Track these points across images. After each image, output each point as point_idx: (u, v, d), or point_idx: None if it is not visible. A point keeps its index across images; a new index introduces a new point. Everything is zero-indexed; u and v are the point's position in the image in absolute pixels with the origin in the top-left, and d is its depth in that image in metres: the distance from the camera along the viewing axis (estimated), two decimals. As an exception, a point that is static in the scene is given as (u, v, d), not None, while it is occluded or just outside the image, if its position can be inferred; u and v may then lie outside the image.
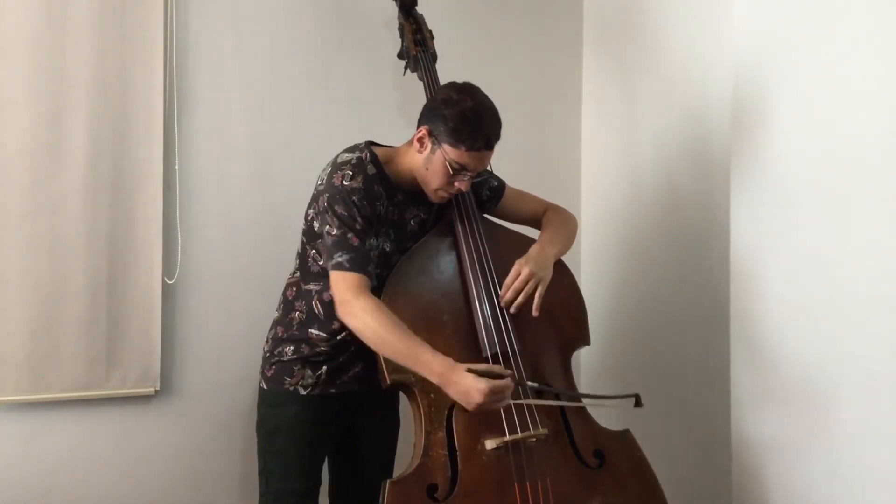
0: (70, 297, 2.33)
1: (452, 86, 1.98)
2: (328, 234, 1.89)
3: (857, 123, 1.92)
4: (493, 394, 1.72)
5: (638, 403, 1.98)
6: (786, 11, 2.08)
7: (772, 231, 2.11)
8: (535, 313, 1.96)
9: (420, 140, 1.93)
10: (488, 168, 2.03)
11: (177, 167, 2.47)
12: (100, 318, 2.36)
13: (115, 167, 2.38)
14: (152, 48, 2.43)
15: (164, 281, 2.43)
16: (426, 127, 1.92)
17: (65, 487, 2.36)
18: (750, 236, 2.16)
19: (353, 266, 1.85)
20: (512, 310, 1.96)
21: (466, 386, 1.73)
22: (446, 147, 1.89)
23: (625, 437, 2.06)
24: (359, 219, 1.88)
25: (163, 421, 2.47)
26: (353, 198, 1.89)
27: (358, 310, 1.81)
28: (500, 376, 1.76)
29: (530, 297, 1.96)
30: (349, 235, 1.87)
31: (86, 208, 2.35)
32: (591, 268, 3.02)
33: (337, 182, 1.91)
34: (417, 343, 1.78)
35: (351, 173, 1.91)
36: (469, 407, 1.75)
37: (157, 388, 2.44)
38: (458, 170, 1.90)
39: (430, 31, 2.34)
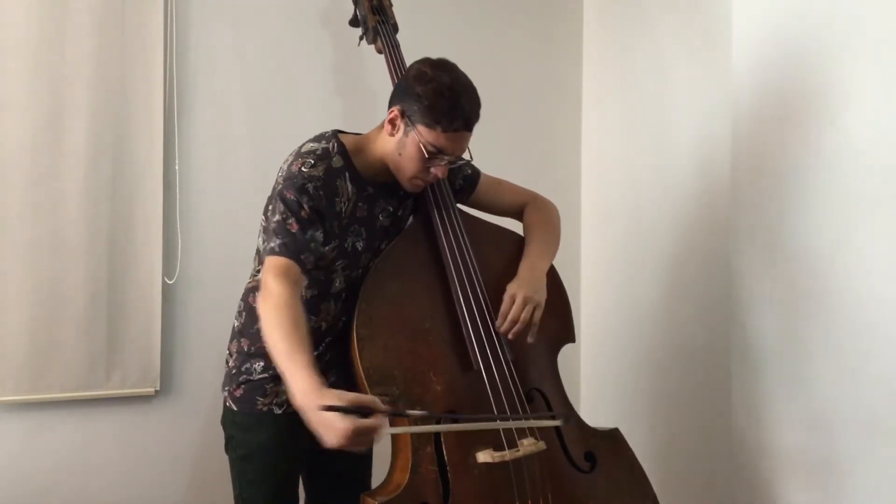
0: (70, 297, 2.33)
1: (426, 61, 1.80)
2: (271, 220, 1.74)
3: (858, 122, 1.91)
4: (356, 436, 1.45)
5: (566, 421, 1.85)
6: (785, 10, 2.08)
7: (772, 230, 2.10)
8: (529, 340, 1.85)
9: (392, 122, 1.76)
10: (468, 157, 1.87)
11: (177, 167, 2.47)
12: (100, 318, 2.36)
13: (115, 167, 2.38)
14: (152, 48, 2.43)
15: (164, 281, 2.43)
16: (398, 107, 1.75)
17: (65, 487, 2.36)
18: (750, 235, 2.16)
19: (284, 251, 1.68)
20: (510, 337, 1.84)
21: (328, 422, 1.45)
22: (421, 128, 1.72)
23: (614, 436, 1.99)
24: (305, 206, 1.72)
25: (163, 421, 2.48)
26: (308, 185, 1.72)
27: (269, 295, 1.63)
28: (369, 410, 1.48)
29: (526, 326, 1.84)
30: (290, 221, 1.71)
31: (86, 208, 2.35)
32: (590, 268, 3.02)
33: (294, 168, 1.75)
34: (299, 354, 1.54)
35: (312, 162, 1.75)
36: (325, 445, 1.48)
37: (157, 388, 2.44)
38: (434, 153, 1.74)
39: None
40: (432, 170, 1.78)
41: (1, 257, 2.28)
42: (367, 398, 1.53)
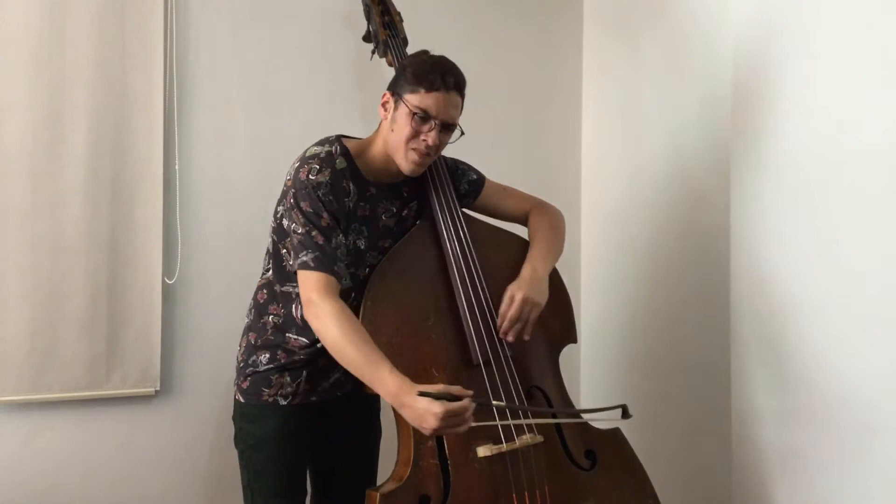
0: (70, 298, 2.33)
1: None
2: (294, 232, 1.81)
3: (858, 119, 1.92)
4: (450, 417, 1.60)
5: (626, 415, 1.84)
6: (785, 7, 2.08)
7: (772, 230, 2.11)
8: (525, 338, 1.90)
9: (384, 104, 1.88)
10: (459, 133, 1.91)
11: (177, 167, 2.47)
12: (100, 318, 2.36)
13: (115, 167, 2.39)
14: (152, 48, 2.43)
15: (164, 281, 2.44)
16: (389, 91, 1.89)
17: (65, 487, 2.36)
18: (750, 235, 2.16)
19: (319, 265, 1.76)
20: (509, 338, 1.89)
21: (421, 409, 1.61)
22: (407, 97, 1.83)
23: (615, 435, 2.02)
24: (324, 214, 1.80)
25: (163, 421, 2.48)
26: (319, 192, 1.80)
27: (322, 313, 1.72)
28: (457, 398, 1.62)
29: (525, 327, 1.90)
30: (314, 233, 1.79)
31: (86, 208, 2.35)
32: (590, 267, 3.02)
33: (303, 176, 1.82)
34: (377, 358, 1.68)
35: (318, 167, 1.83)
36: (425, 432, 1.63)
37: (157, 388, 2.44)
38: (422, 117, 1.81)
39: (399, 14, 2.27)
40: (422, 137, 1.84)
41: (1, 257, 2.28)
42: (455, 388, 1.65)
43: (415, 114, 1.82)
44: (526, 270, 1.95)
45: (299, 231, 1.80)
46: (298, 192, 1.82)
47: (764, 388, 2.14)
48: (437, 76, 1.82)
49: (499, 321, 1.90)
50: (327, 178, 1.82)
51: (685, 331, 2.60)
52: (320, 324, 1.74)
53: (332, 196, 1.82)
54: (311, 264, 1.77)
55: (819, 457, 1.99)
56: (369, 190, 1.91)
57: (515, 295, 1.89)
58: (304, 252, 1.78)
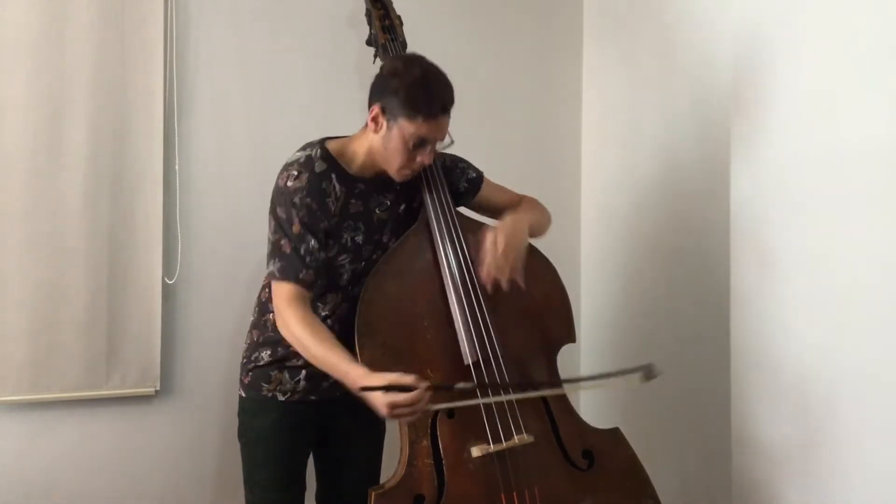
0: (70, 297, 2.33)
1: (398, 57, 2.01)
2: (269, 238, 1.88)
3: (857, 119, 1.92)
4: (395, 408, 1.66)
5: (650, 375, 1.78)
6: (785, 6, 2.08)
7: (772, 230, 2.11)
8: (521, 285, 1.88)
9: (374, 119, 1.86)
10: (449, 141, 1.93)
11: (177, 167, 2.48)
12: (100, 318, 2.36)
13: (115, 167, 2.39)
14: (152, 48, 2.43)
15: (164, 281, 2.44)
16: (378, 105, 1.85)
17: (65, 487, 2.37)
18: (750, 235, 2.16)
19: (283, 274, 1.82)
20: (503, 285, 1.87)
21: (372, 399, 1.68)
22: (402, 122, 1.82)
23: (614, 435, 2.01)
24: (295, 221, 1.83)
25: (163, 421, 2.48)
26: (295, 198, 1.83)
27: (289, 321, 1.81)
28: (408, 388, 1.66)
29: (508, 272, 1.87)
30: (282, 242, 1.83)
31: (86, 208, 2.35)
32: (590, 266, 3.02)
33: (281, 183, 1.87)
34: (339, 356, 1.75)
35: (296, 173, 1.86)
36: (383, 416, 1.73)
37: (157, 388, 2.44)
38: (418, 144, 1.83)
39: (399, 17, 2.29)
40: (418, 158, 1.87)
41: (1, 257, 2.28)
42: (407, 378, 1.68)
43: (414, 142, 1.83)
44: (507, 217, 1.94)
45: (271, 238, 1.87)
46: (276, 199, 1.87)
47: (764, 387, 2.13)
48: (434, 103, 1.82)
49: (482, 270, 1.87)
50: (304, 182, 1.85)
51: (685, 330, 2.60)
52: (288, 332, 1.82)
53: (309, 199, 1.85)
54: (277, 274, 1.84)
55: (819, 457, 1.99)
56: (357, 186, 1.93)
57: (497, 237, 1.87)
58: (272, 261, 1.85)
